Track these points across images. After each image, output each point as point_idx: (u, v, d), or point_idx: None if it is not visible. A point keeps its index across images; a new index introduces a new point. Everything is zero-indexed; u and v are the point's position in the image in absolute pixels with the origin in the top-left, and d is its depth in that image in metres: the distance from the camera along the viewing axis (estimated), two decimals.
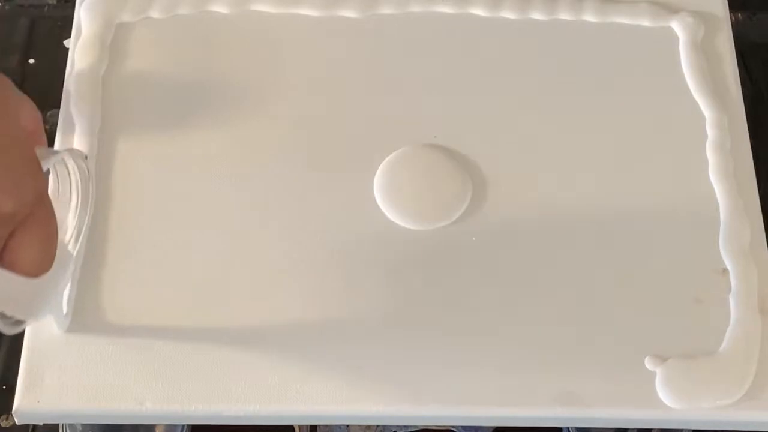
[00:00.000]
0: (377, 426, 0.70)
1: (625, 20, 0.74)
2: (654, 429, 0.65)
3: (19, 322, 0.52)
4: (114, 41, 0.72)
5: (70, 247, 0.58)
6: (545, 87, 0.72)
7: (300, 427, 0.71)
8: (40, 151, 0.51)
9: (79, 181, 0.58)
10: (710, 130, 0.70)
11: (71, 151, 0.56)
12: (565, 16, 0.74)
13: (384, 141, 0.69)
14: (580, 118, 0.71)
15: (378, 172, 0.68)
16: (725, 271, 0.65)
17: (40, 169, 0.51)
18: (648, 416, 0.61)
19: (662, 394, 0.61)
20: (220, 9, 0.74)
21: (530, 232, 0.66)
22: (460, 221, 0.67)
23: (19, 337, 0.64)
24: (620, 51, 0.73)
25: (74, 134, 0.69)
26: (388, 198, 0.67)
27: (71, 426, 0.65)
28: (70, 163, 0.57)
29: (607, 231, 0.66)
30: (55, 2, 0.82)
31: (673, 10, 0.74)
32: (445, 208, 0.67)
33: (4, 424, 0.67)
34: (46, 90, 0.77)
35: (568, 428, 0.69)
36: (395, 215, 0.67)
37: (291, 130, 0.70)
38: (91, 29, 0.72)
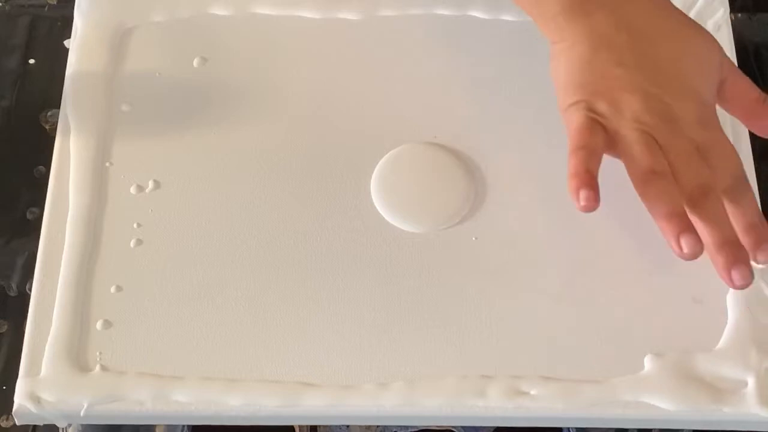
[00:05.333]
0: (377, 426, 0.70)
1: None
2: (654, 429, 0.65)
3: None
4: (113, 43, 0.72)
5: None
6: (545, 88, 0.72)
7: (300, 427, 0.71)
8: None
9: None
10: None
11: None
12: None
13: (384, 142, 0.69)
14: None
15: (375, 173, 0.68)
16: None
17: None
18: (647, 416, 0.61)
19: (661, 393, 0.61)
20: (221, 11, 0.74)
21: (531, 233, 0.66)
22: (461, 223, 0.67)
23: (18, 338, 0.65)
24: None
25: (74, 135, 0.69)
26: (385, 199, 0.67)
27: (71, 426, 0.65)
28: None
29: (606, 230, 0.66)
30: (55, 2, 0.82)
31: None
32: (448, 209, 0.67)
33: (4, 424, 0.67)
34: (46, 90, 0.77)
35: (568, 428, 0.69)
36: (392, 217, 0.67)
37: (291, 131, 0.70)
38: (90, 31, 0.73)
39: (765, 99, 0.64)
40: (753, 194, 0.61)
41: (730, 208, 0.60)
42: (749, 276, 0.58)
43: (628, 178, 0.68)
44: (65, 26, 0.79)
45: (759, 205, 0.61)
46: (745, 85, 0.64)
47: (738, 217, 0.60)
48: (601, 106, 0.61)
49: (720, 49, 0.64)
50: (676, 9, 0.65)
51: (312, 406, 0.61)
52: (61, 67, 0.72)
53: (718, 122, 0.62)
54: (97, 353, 0.62)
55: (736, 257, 0.58)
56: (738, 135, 0.70)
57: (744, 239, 0.59)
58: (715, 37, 0.64)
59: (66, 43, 0.75)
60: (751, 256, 0.59)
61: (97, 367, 0.61)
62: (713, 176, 0.60)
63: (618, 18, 0.62)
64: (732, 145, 0.62)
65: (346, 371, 0.62)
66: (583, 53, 0.62)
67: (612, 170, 0.68)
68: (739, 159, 0.61)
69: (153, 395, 0.61)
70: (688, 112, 0.61)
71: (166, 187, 0.67)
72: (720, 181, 0.60)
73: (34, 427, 0.67)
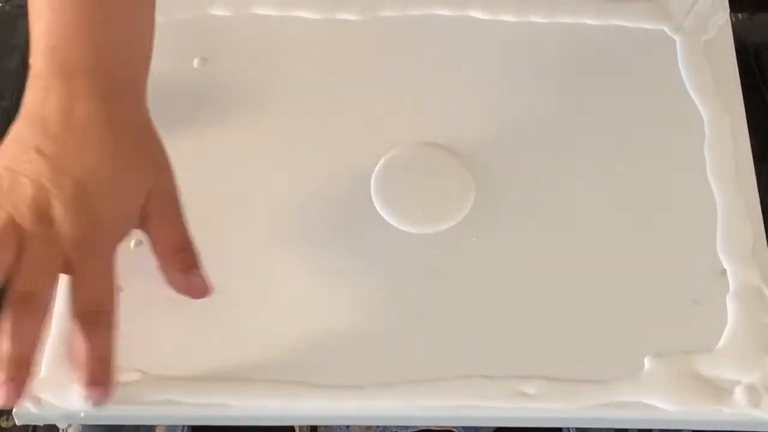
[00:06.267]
0: (377, 426, 0.70)
1: (625, 22, 0.74)
2: (654, 429, 0.65)
3: None
4: None
5: None
6: (545, 88, 0.72)
7: (300, 427, 0.71)
8: None
9: None
10: (708, 130, 0.70)
11: None
12: (565, 18, 0.74)
13: (384, 142, 0.69)
14: (580, 119, 0.71)
15: (375, 173, 0.68)
16: (723, 271, 0.65)
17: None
18: (647, 416, 0.61)
19: (661, 394, 0.61)
20: (221, 12, 0.74)
21: (530, 233, 0.67)
22: (461, 224, 0.67)
23: None
24: (620, 52, 0.74)
25: None
26: (385, 199, 0.67)
27: (71, 426, 0.65)
28: None
29: (606, 231, 0.66)
30: None
31: (672, 11, 0.74)
32: (448, 209, 0.67)
33: (4, 424, 0.67)
34: None
35: (568, 428, 0.69)
36: (392, 217, 0.67)
37: (291, 131, 0.70)
38: None
39: (186, 249, 0.62)
40: (108, 340, 0.58)
41: (80, 337, 0.58)
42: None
43: (627, 177, 0.68)
44: None
45: (112, 350, 0.59)
46: (167, 232, 0.62)
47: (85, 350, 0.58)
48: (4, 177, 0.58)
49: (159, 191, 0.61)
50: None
51: (312, 406, 0.61)
52: None
53: (108, 254, 0.59)
54: None
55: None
56: (738, 135, 0.70)
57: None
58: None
59: None
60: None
61: None
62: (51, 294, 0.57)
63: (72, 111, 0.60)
64: (110, 283, 0.59)
65: (346, 371, 0.62)
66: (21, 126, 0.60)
67: (611, 170, 0.69)
68: (108, 297, 0.58)
69: (153, 395, 0.61)
70: (74, 228, 0.57)
71: None
72: (77, 306, 0.58)
73: (35, 427, 0.67)
